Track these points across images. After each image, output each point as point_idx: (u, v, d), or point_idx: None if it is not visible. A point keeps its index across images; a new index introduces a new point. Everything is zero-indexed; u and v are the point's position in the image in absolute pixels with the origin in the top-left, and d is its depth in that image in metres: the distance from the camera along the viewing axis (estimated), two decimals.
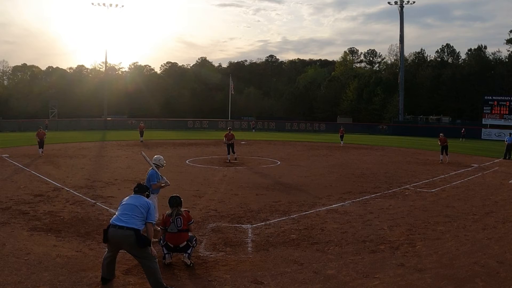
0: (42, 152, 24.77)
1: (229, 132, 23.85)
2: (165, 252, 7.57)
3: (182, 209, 7.76)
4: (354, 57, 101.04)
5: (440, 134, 25.24)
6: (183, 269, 7.32)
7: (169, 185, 9.76)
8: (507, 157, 26.74)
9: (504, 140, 28.38)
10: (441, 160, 24.33)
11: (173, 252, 7.53)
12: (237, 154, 24.08)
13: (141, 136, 36.11)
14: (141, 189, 7.03)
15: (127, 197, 6.93)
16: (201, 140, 39.60)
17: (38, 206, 11.72)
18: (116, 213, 6.66)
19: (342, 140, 36.58)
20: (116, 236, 6.35)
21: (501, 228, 10.35)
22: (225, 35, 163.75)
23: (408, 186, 16.33)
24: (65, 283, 6.57)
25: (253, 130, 61.79)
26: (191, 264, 7.46)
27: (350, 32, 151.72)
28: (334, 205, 12.63)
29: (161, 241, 7.66)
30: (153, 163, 9.53)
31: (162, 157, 9.90)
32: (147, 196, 7.09)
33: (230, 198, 13.51)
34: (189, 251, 7.50)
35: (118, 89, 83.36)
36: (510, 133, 28.26)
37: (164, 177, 9.52)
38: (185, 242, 7.49)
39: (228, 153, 23.53)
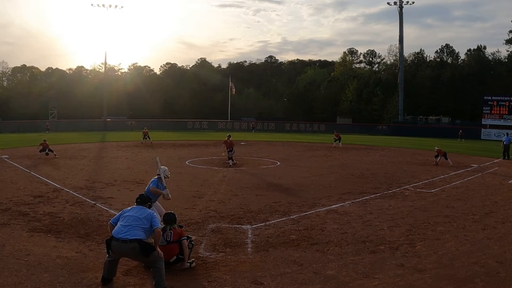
0: (40, 156, 24.48)
1: (228, 139, 22.45)
2: None
3: (177, 226, 7.67)
4: (353, 58, 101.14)
5: (436, 147, 24.83)
6: (183, 270, 7.31)
7: (169, 199, 9.49)
8: (506, 157, 26.76)
9: (501, 141, 28.43)
10: (435, 162, 23.69)
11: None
12: (237, 154, 23.95)
13: (143, 138, 35.92)
14: (144, 200, 7.08)
15: (130, 208, 6.97)
16: (200, 141, 39.62)
17: (38, 207, 11.72)
18: (118, 223, 6.69)
19: (340, 142, 35.38)
20: (120, 249, 6.45)
21: (501, 228, 10.35)
22: (225, 36, 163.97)
23: (407, 186, 16.34)
24: (65, 284, 6.57)
25: (253, 131, 61.78)
26: (191, 266, 7.45)
27: (350, 33, 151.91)
28: (334, 206, 12.64)
29: None
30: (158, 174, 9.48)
31: (167, 168, 9.80)
32: (149, 207, 7.10)
33: (230, 198, 13.50)
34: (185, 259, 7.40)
35: (118, 90, 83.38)
36: (507, 133, 28.32)
37: (167, 189, 9.43)
38: (175, 257, 7.33)
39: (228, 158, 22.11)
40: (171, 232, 7.47)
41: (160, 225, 6.98)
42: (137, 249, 6.38)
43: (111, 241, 6.50)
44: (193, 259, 7.61)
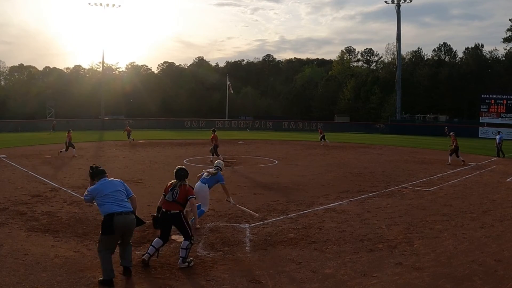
0: (65, 152, 25.02)
1: (213, 133, 22.71)
2: (148, 250, 7.52)
3: (185, 183, 7.83)
4: (351, 56, 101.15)
5: (452, 133, 24.02)
6: (181, 269, 7.31)
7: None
8: (500, 156, 26.82)
9: (495, 139, 28.55)
10: (450, 161, 22.85)
11: (164, 221, 7.53)
12: (235, 153, 23.94)
13: (129, 137, 35.85)
14: (102, 172, 7.19)
15: (100, 185, 6.91)
16: (198, 140, 39.53)
17: (36, 207, 11.70)
18: (107, 202, 6.66)
19: (325, 140, 35.46)
20: (124, 222, 6.59)
21: (499, 226, 10.37)
22: (222, 35, 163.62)
23: (405, 184, 16.35)
24: (63, 283, 6.56)
25: (248, 130, 62.06)
26: (190, 265, 7.44)
27: (348, 31, 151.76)
28: (332, 204, 12.64)
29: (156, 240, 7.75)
30: (216, 166, 10.65)
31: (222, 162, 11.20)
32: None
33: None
34: (182, 255, 7.41)
35: (116, 89, 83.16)
36: (498, 132, 28.51)
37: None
38: (178, 211, 7.50)
39: (212, 154, 22.34)
40: (178, 190, 7.60)
41: (132, 192, 7.22)
42: (134, 221, 6.77)
43: (112, 217, 6.48)
44: (191, 258, 7.60)
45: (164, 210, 7.53)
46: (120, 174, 17.94)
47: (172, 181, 7.83)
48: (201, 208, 9.84)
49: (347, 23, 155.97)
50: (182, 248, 7.44)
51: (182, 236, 7.62)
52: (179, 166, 8.07)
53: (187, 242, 7.43)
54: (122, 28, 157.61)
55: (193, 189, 7.93)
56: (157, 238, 7.60)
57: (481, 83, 68.13)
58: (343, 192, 14.62)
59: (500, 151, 26.97)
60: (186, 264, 7.40)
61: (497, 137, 27.78)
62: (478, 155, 28.92)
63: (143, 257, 7.41)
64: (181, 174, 7.84)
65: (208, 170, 10.53)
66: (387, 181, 17.09)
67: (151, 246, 7.53)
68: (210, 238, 9.17)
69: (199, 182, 10.29)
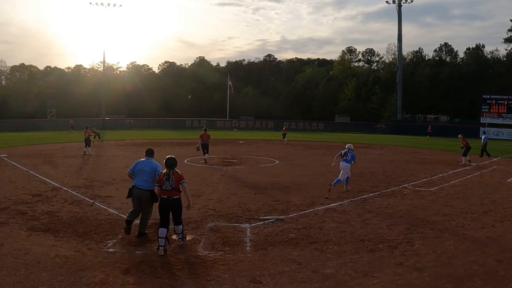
0: (90, 151, 25.55)
1: (205, 132, 23.04)
2: (159, 244, 8.10)
3: (176, 170, 8.44)
4: (352, 56, 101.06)
5: (460, 135, 24.52)
6: (182, 269, 7.32)
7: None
8: (484, 155, 26.67)
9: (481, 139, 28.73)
10: (463, 162, 23.23)
11: (166, 206, 8.28)
12: (235, 153, 23.96)
13: (94, 137, 35.40)
14: (151, 153, 9.48)
15: (142, 161, 9.21)
16: (199, 140, 39.51)
17: (37, 206, 11.70)
18: (137, 175, 9.00)
19: (284, 138, 37.28)
20: (139, 194, 8.85)
21: (500, 226, 10.36)
22: (223, 35, 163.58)
23: (406, 185, 16.34)
24: (64, 283, 6.56)
25: (234, 130, 62.80)
26: (183, 244, 8.48)
27: (349, 31, 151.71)
28: (332, 204, 12.63)
29: (158, 240, 8.17)
30: (348, 146, 14.69)
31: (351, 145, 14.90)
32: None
33: (228, 197, 13.50)
34: (181, 237, 8.58)
35: (116, 89, 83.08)
36: (484, 132, 28.77)
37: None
38: (178, 196, 8.33)
39: (204, 154, 22.61)
40: (173, 178, 8.26)
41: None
42: (149, 196, 8.75)
43: (132, 188, 8.90)
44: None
45: (165, 197, 8.25)
46: (122, 174, 17.93)
47: (164, 170, 8.43)
48: (344, 178, 14.39)
49: (348, 23, 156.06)
50: (179, 233, 8.53)
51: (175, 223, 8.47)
52: (168, 156, 8.63)
53: (181, 227, 8.51)
54: (123, 27, 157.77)
55: (180, 173, 8.45)
56: (160, 229, 8.12)
57: (482, 83, 68.05)
58: (344, 192, 14.61)
59: (485, 151, 26.93)
60: (182, 242, 8.54)
61: (483, 137, 27.98)
62: (479, 155, 28.89)
63: (159, 252, 7.99)
64: (171, 163, 8.44)
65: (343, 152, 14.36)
66: (388, 181, 17.08)
67: (160, 239, 8.07)
68: (210, 238, 9.16)
69: (343, 162, 14.31)
